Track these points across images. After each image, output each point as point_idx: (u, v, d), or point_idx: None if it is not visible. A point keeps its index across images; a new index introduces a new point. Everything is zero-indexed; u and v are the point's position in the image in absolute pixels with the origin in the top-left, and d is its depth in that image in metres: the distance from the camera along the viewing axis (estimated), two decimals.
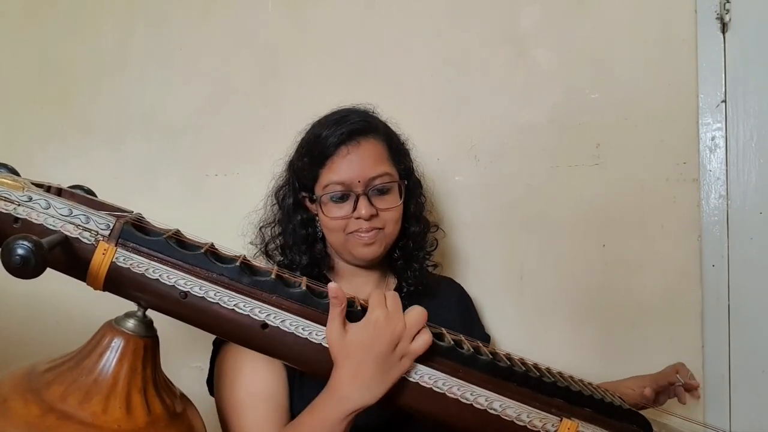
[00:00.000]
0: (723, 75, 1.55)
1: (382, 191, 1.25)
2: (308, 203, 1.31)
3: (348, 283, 1.28)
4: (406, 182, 1.32)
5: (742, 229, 1.55)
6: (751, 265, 1.54)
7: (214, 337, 1.16)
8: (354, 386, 0.89)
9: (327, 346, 0.90)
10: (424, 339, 0.91)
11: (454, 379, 0.92)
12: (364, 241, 1.25)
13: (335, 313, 0.89)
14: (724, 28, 1.54)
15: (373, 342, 0.89)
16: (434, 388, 0.92)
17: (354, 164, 1.23)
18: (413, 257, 1.36)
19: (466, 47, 1.73)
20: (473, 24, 1.72)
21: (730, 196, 1.55)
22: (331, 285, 0.89)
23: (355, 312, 0.92)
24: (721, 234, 1.56)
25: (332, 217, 1.24)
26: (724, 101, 1.55)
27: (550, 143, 1.67)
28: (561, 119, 1.66)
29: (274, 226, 1.37)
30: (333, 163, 1.24)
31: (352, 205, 1.23)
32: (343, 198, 1.24)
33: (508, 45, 1.71)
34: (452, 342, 0.94)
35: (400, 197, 1.28)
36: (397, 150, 1.33)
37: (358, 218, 1.23)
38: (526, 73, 1.70)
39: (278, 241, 1.35)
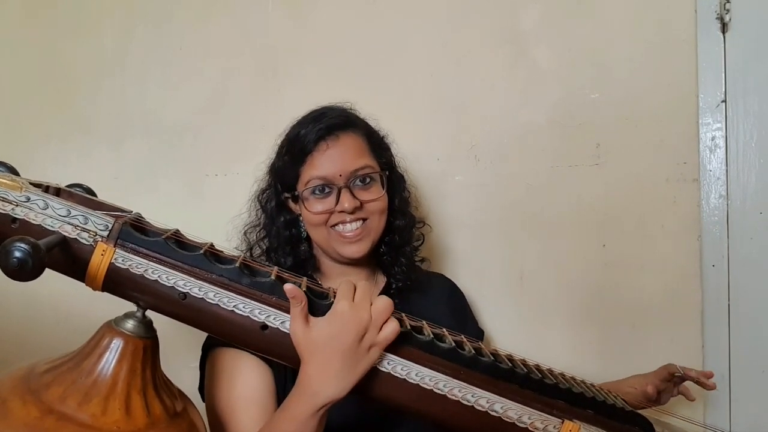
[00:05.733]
0: (723, 75, 1.54)
1: (365, 182, 1.25)
2: (291, 204, 1.31)
3: (335, 283, 1.28)
4: (387, 174, 1.31)
5: (742, 229, 1.54)
6: (751, 265, 1.54)
7: None
8: (322, 380, 0.89)
9: None
10: (392, 328, 0.90)
11: (456, 380, 0.92)
12: (349, 239, 1.24)
13: (296, 312, 0.87)
14: (724, 28, 1.54)
15: (338, 334, 0.88)
16: (435, 390, 0.91)
17: (334, 158, 1.23)
18: (400, 252, 1.36)
19: (466, 47, 1.73)
20: (473, 24, 1.72)
21: (730, 196, 1.55)
22: (287, 286, 0.87)
23: (328, 305, 0.91)
24: (721, 234, 1.55)
25: (314, 212, 1.24)
26: (724, 101, 1.54)
27: (550, 143, 1.67)
28: (561, 119, 1.66)
29: (259, 230, 1.36)
30: (313, 158, 1.24)
31: (335, 199, 1.23)
32: (325, 192, 1.24)
33: (508, 45, 1.70)
34: (453, 343, 0.94)
35: (383, 188, 1.28)
36: (377, 144, 1.33)
37: (341, 212, 1.22)
38: (526, 73, 1.69)
39: (263, 245, 1.35)
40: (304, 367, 0.90)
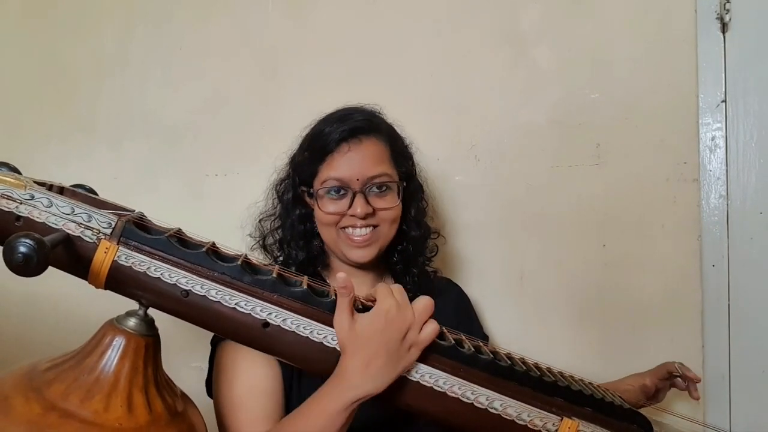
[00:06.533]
0: (723, 75, 1.55)
1: (381, 190, 1.25)
2: (307, 198, 1.31)
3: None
4: (405, 184, 1.31)
5: (742, 229, 1.55)
6: (751, 265, 1.54)
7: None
8: (363, 375, 0.89)
9: (328, 345, 0.90)
10: (433, 328, 0.92)
11: (455, 378, 0.92)
12: (357, 243, 1.24)
13: (344, 304, 0.89)
14: (724, 28, 1.54)
15: (384, 331, 0.89)
16: (435, 387, 0.92)
17: (354, 162, 1.23)
18: (413, 262, 1.36)
19: (466, 47, 1.73)
20: (473, 24, 1.73)
21: (730, 196, 1.55)
22: (340, 275, 0.89)
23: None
24: (721, 234, 1.56)
25: (326, 212, 1.24)
26: (724, 101, 1.55)
27: (550, 143, 1.67)
28: (561, 119, 1.66)
29: (273, 220, 1.36)
30: (333, 159, 1.24)
31: (349, 202, 1.22)
32: (339, 194, 1.24)
33: (508, 45, 1.71)
34: (453, 341, 0.94)
35: (399, 198, 1.28)
36: (399, 152, 1.32)
37: (352, 215, 1.22)
38: (526, 73, 1.70)
39: (276, 235, 1.35)
40: (345, 360, 0.90)
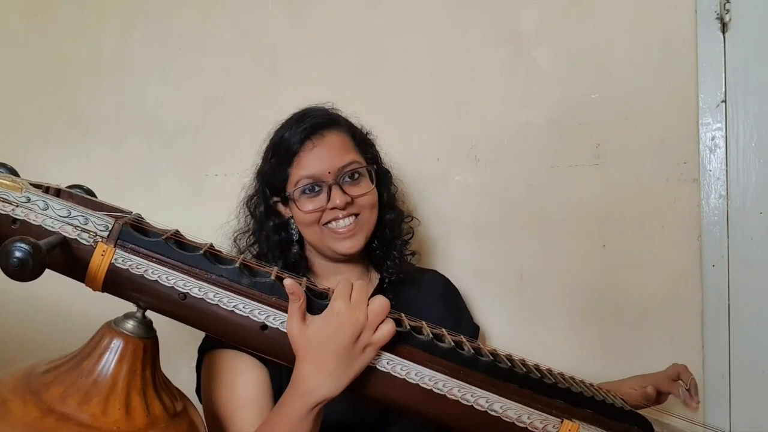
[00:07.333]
0: (723, 75, 1.54)
1: (354, 178, 1.27)
2: (281, 207, 1.32)
3: (329, 283, 1.27)
4: (375, 167, 1.33)
5: (742, 229, 1.54)
6: (751, 265, 1.54)
7: None
8: (317, 379, 0.89)
9: None
10: (387, 329, 0.90)
11: (455, 380, 0.92)
12: (342, 234, 1.25)
13: (294, 309, 0.88)
14: (724, 28, 1.54)
15: (334, 334, 0.88)
16: (435, 390, 0.91)
17: (322, 156, 1.24)
18: (391, 245, 1.37)
19: (466, 47, 1.73)
20: (473, 24, 1.72)
21: (730, 196, 1.55)
22: (287, 281, 0.88)
23: (326, 305, 0.91)
24: (721, 234, 1.55)
25: (306, 211, 1.24)
26: (724, 101, 1.54)
27: (550, 143, 1.67)
28: (561, 119, 1.66)
29: (248, 236, 1.36)
30: (300, 158, 1.25)
31: (326, 196, 1.24)
32: (315, 191, 1.25)
33: (508, 45, 1.70)
34: (453, 343, 0.94)
35: (372, 182, 1.30)
36: (361, 140, 1.35)
37: (333, 208, 1.23)
38: (526, 73, 1.69)
39: (253, 250, 1.35)
40: (298, 365, 0.90)
